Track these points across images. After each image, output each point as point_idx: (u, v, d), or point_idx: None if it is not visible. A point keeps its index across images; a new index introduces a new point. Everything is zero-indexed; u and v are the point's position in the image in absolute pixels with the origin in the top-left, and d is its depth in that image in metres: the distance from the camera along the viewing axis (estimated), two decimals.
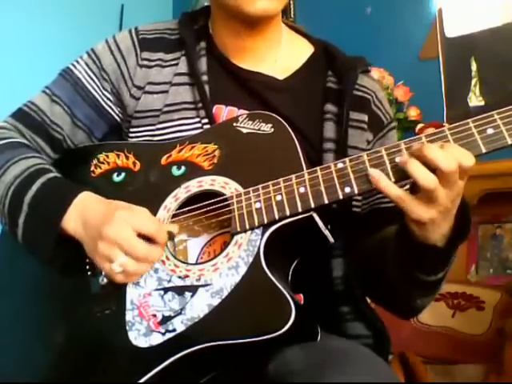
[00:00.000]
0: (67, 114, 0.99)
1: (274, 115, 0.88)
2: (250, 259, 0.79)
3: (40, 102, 1.00)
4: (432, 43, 2.34)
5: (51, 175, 0.89)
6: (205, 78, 0.98)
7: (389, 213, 0.93)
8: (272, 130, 0.87)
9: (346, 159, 0.80)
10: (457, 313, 1.79)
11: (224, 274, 0.79)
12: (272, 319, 0.75)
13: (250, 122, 0.88)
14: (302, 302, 0.88)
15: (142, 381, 0.77)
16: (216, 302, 0.78)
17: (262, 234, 0.81)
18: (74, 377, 0.84)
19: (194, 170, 0.88)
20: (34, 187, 0.86)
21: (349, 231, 0.95)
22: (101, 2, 2.75)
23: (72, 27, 2.55)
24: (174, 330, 0.79)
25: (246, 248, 0.80)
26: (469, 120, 0.74)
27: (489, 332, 1.69)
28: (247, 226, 0.81)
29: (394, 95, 2.24)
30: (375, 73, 2.05)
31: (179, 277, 0.82)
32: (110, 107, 1.01)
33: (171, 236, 0.83)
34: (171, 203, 0.87)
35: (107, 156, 0.94)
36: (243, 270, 0.79)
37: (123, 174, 0.92)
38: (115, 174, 0.92)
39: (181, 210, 0.87)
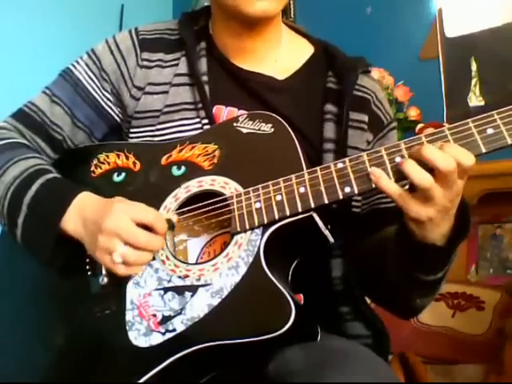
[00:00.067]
0: (67, 115, 1.00)
1: (274, 115, 0.88)
2: (250, 259, 0.79)
3: (40, 102, 1.00)
4: (432, 43, 2.34)
5: (50, 176, 0.89)
6: (205, 78, 0.98)
7: (388, 213, 0.93)
8: (272, 130, 0.87)
9: (346, 159, 0.80)
10: (457, 313, 1.79)
11: (224, 274, 0.79)
12: (272, 319, 0.75)
13: (250, 122, 0.88)
14: (302, 302, 0.88)
15: (141, 381, 0.77)
16: (216, 301, 0.78)
17: (262, 234, 0.81)
18: (74, 377, 0.84)
19: (194, 170, 0.88)
20: (34, 188, 0.87)
21: (349, 231, 0.95)
22: (101, 2, 2.75)
23: (72, 27, 2.55)
24: (174, 330, 0.79)
25: (246, 248, 0.80)
26: (469, 120, 0.74)
27: (489, 332, 1.69)
28: (247, 226, 0.81)
29: (394, 95, 2.24)
30: (375, 73, 2.05)
31: (179, 277, 0.82)
32: (110, 108, 1.01)
33: (170, 224, 0.83)
34: (171, 203, 0.87)
35: (107, 156, 0.95)
36: (243, 269, 0.79)
37: (123, 174, 0.92)
38: (115, 174, 0.92)
39: (181, 210, 0.87)
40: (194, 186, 0.87)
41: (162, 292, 0.82)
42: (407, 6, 2.43)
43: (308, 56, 1.04)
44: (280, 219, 0.80)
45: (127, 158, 0.93)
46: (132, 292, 0.83)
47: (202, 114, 0.96)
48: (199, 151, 0.90)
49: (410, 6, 2.42)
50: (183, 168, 0.89)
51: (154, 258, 0.84)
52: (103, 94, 1.00)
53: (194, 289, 0.80)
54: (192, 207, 0.87)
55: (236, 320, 0.77)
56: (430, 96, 2.27)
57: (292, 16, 2.75)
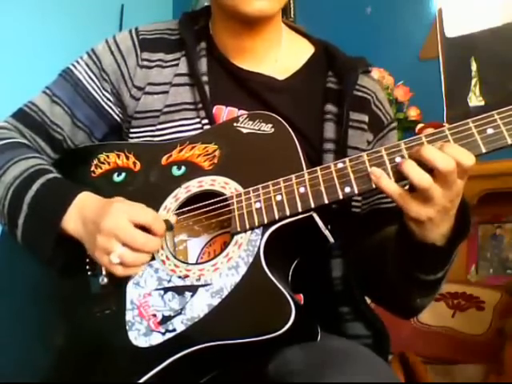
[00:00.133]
0: (67, 115, 1.00)
1: (274, 115, 0.88)
2: (250, 259, 0.79)
3: (40, 102, 1.00)
4: (432, 43, 2.34)
5: (51, 176, 0.89)
6: (205, 78, 0.98)
7: (389, 213, 0.93)
8: (272, 130, 0.87)
9: (346, 159, 0.80)
10: (457, 313, 1.79)
11: (224, 274, 0.79)
12: (272, 319, 0.75)
13: (251, 122, 0.88)
14: (302, 302, 0.88)
15: (141, 381, 0.77)
16: (216, 301, 0.78)
17: (262, 234, 0.81)
18: (74, 377, 0.84)
19: (194, 170, 0.88)
20: (34, 188, 0.87)
21: (349, 231, 0.95)
22: (101, 2, 2.75)
23: (72, 27, 2.55)
24: (174, 330, 0.79)
25: (246, 248, 0.80)
26: (469, 120, 0.74)
27: (489, 332, 1.69)
28: (247, 226, 0.81)
29: (394, 95, 2.24)
30: (375, 73, 2.05)
31: (179, 277, 0.82)
32: (110, 108, 1.01)
33: (169, 225, 0.83)
34: (171, 203, 0.87)
35: (107, 156, 0.95)
36: (243, 269, 0.79)
37: (123, 174, 0.92)
38: (115, 174, 0.92)
39: (181, 210, 0.87)
40: (194, 186, 0.87)
41: (162, 292, 0.82)
42: (407, 6, 2.43)
43: (308, 56, 1.04)
44: (280, 219, 0.80)
45: (127, 158, 0.93)
46: (132, 292, 0.83)
47: (202, 114, 0.96)
48: (199, 151, 0.90)
49: (410, 5, 2.42)
50: (183, 168, 0.89)
51: (153, 258, 0.84)
52: (103, 94, 1.00)
53: (194, 289, 0.80)
54: (192, 207, 0.87)
55: (236, 320, 0.77)
56: (430, 96, 2.27)
57: (292, 16, 2.75)
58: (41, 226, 0.85)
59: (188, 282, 0.81)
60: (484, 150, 0.73)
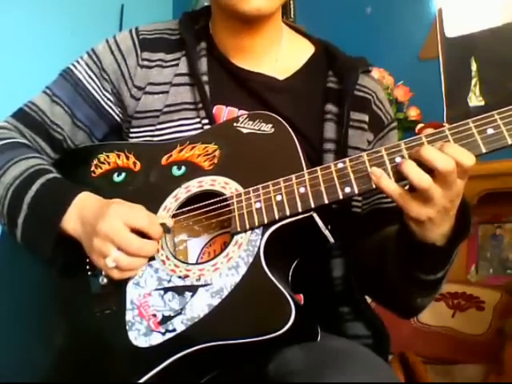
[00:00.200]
0: (67, 115, 1.00)
1: (274, 115, 0.88)
2: (250, 259, 0.79)
3: (40, 102, 1.00)
4: (432, 43, 2.35)
5: (51, 176, 0.89)
6: (205, 78, 0.98)
7: (389, 213, 0.93)
8: (272, 130, 0.87)
9: (346, 159, 0.80)
10: (457, 313, 1.79)
11: (224, 274, 0.79)
12: (272, 319, 0.75)
13: (251, 122, 0.88)
14: (302, 302, 0.88)
15: (141, 381, 0.77)
16: (216, 301, 0.78)
17: (262, 234, 0.81)
18: (74, 377, 0.84)
19: (194, 170, 0.88)
20: (34, 188, 0.87)
21: (349, 231, 0.95)
22: (101, 2, 2.75)
23: (72, 27, 2.55)
24: (174, 330, 0.79)
25: (246, 248, 0.80)
26: (469, 120, 0.74)
27: (489, 332, 1.69)
28: (247, 226, 0.81)
29: (394, 95, 2.24)
30: (375, 73, 2.05)
31: (179, 277, 0.82)
32: (111, 107, 1.01)
33: (166, 228, 0.83)
34: (171, 203, 0.87)
35: (108, 156, 0.95)
36: (243, 269, 0.79)
37: (123, 174, 0.92)
38: (115, 174, 0.92)
39: (181, 210, 0.87)
40: (194, 186, 0.87)
41: (162, 292, 0.82)
42: (407, 6, 2.43)
43: (308, 56, 1.04)
44: (280, 219, 0.80)
45: (127, 158, 0.93)
46: (132, 292, 0.83)
47: (203, 113, 0.96)
48: (199, 151, 0.90)
49: (410, 5, 2.42)
50: (183, 168, 0.89)
51: (153, 258, 0.84)
52: (103, 94, 1.00)
53: (194, 289, 0.80)
54: (192, 207, 0.87)
55: (236, 320, 0.77)
56: (430, 96, 2.27)
57: (292, 16, 2.75)
58: (41, 226, 0.85)
59: (188, 282, 0.81)
60: (484, 150, 0.73)
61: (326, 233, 0.81)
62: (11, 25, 2.39)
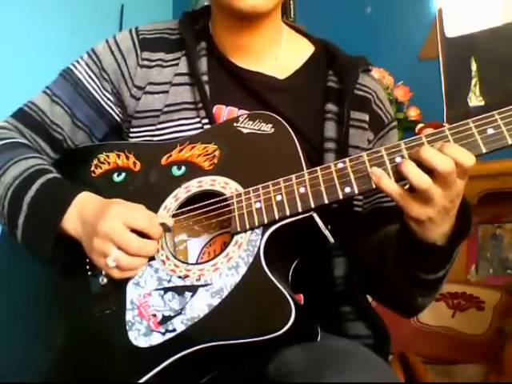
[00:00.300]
0: (67, 115, 1.00)
1: (274, 115, 0.88)
2: (250, 259, 0.79)
3: (40, 102, 1.00)
4: (432, 43, 2.35)
5: (50, 176, 0.89)
6: (205, 78, 0.98)
7: (390, 212, 0.93)
8: (272, 130, 0.87)
9: (346, 159, 0.80)
10: (457, 313, 1.79)
11: (224, 274, 0.79)
12: (272, 319, 0.75)
13: (251, 122, 0.88)
14: (302, 302, 0.88)
15: (142, 381, 0.77)
16: (216, 301, 0.78)
17: (262, 234, 0.81)
18: (74, 377, 0.84)
19: (194, 170, 0.88)
20: (34, 188, 0.87)
21: (350, 230, 0.95)
22: (101, 2, 2.75)
23: (72, 27, 2.55)
24: (174, 330, 0.79)
25: (246, 248, 0.80)
26: (469, 120, 0.74)
27: (489, 332, 1.69)
28: (247, 226, 0.81)
29: (394, 95, 2.24)
30: (375, 73, 2.05)
31: (179, 277, 0.82)
32: (111, 107, 1.01)
33: (166, 228, 0.83)
34: (171, 203, 0.87)
35: (108, 156, 0.94)
36: (243, 269, 0.79)
37: (123, 174, 0.92)
38: (115, 174, 0.92)
39: (181, 210, 0.87)
40: (194, 186, 0.87)
41: (162, 292, 0.82)
42: (407, 6, 2.43)
43: (308, 55, 1.04)
44: (280, 219, 0.80)
45: (127, 158, 0.93)
46: (132, 292, 0.83)
47: (203, 113, 0.96)
48: (199, 151, 0.89)
49: (410, 5, 2.42)
50: (183, 168, 0.89)
51: (154, 258, 0.84)
52: (103, 94, 1.00)
53: (194, 289, 0.80)
54: (192, 207, 0.87)
55: (236, 320, 0.77)
56: (430, 96, 2.27)
57: (292, 16, 2.75)
58: (41, 226, 0.85)
59: (188, 282, 0.81)
60: (484, 150, 0.73)
61: (326, 233, 0.81)
62: (11, 25, 2.39)
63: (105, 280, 0.84)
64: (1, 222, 0.92)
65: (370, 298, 1.04)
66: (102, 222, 0.80)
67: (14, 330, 0.91)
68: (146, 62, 0.99)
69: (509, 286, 1.83)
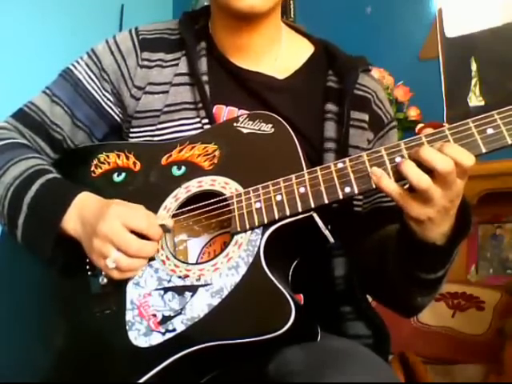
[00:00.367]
0: (67, 115, 1.00)
1: (274, 115, 0.88)
2: (250, 259, 0.79)
3: (40, 102, 1.00)
4: (432, 43, 2.34)
5: (50, 176, 0.89)
6: (205, 78, 0.98)
7: (390, 211, 0.93)
8: (272, 130, 0.87)
9: (346, 159, 0.80)
10: (457, 313, 1.79)
11: (224, 274, 0.79)
12: (272, 319, 0.75)
13: (251, 122, 0.88)
14: (302, 302, 0.88)
15: (141, 381, 0.77)
16: (216, 301, 0.78)
17: (262, 234, 0.81)
18: (74, 377, 0.84)
19: (194, 170, 0.88)
20: (34, 188, 0.87)
21: (350, 230, 0.95)
22: (101, 2, 2.75)
23: (72, 27, 2.55)
24: (174, 330, 0.79)
25: (246, 248, 0.80)
26: (469, 120, 0.74)
27: (489, 332, 1.69)
28: (247, 226, 0.81)
29: (394, 95, 2.24)
30: (375, 73, 2.04)
31: (179, 277, 0.82)
32: (111, 108, 1.01)
33: (165, 229, 0.83)
34: (171, 203, 0.87)
35: (108, 156, 0.95)
36: (243, 269, 0.79)
37: (123, 174, 0.92)
38: (115, 174, 0.92)
39: (181, 210, 0.87)
40: (194, 186, 0.87)
41: (161, 292, 0.82)
42: (407, 6, 2.43)
43: (308, 55, 1.04)
44: (280, 219, 0.80)
45: (127, 158, 0.93)
46: (132, 292, 0.83)
47: (203, 113, 0.96)
48: (199, 151, 0.90)
49: (410, 5, 2.42)
50: (183, 168, 0.89)
51: (153, 258, 0.84)
52: (103, 94, 1.00)
53: (193, 289, 0.80)
54: (192, 207, 0.87)
55: (236, 320, 0.77)
56: (430, 96, 2.27)
57: (292, 16, 2.75)
58: (40, 226, 0.85)
59: (188, 282, 0.81)
60: (484, 150, 0.73)
61: (326, 233, 0.81)
62: (11, 25, 2.39)
63: (105, 280, 0.84)
64: (1, 222, 0.92)
65: (369, 298, 1.04)
66: (102, 223, 0.80)
67: (13, 330, 0.91)
68: (145, 63, 0.99)
69: (509, 285, 1.83)
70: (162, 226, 0.83)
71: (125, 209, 0.82)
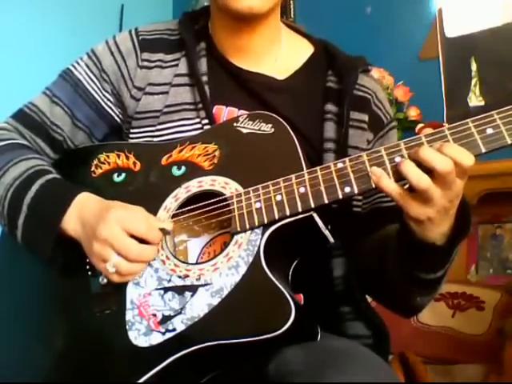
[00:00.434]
0: (67, 115, 1.00)
1: (274, 115, 0.88)
2: (250, 259, 0.79)
3: (40, 102, 1.00)
4: (432, 43, 2.35)
5: (50, 176, 0.89)
6: (205, 78, 0.98)
7: (390, 212, 0.93)
8: (272, 130, 0.87)
9: (346, 159, 0.80)
10: (457, 313, 1.79)
11: (224, 274, 0.79)
12: (272, 319, 0.75)
13: (251, 123, 0.89)
14: (302, 302, 0.88)
15: (141, 380, 0.77)
16: (216, 301, 0.78)
17: (262, 234, 0.81)
18: (74, 377, 0.84)
19: (194, 170, 0.88)
20: (34, 188, 0.87)
21: (349, 230, 0.95)
22: (101, 2, 2.75)
23: (72, 27, 2.55)
24: (174, 330, 0.79)
25: (246, 248, 0.80)
26: (468, 120, 0.74)
27: (489, 332, 1.69)
28: (247, 226, 0.81)
29: (394, 95, 2.24)
30: (375, 73, 2.05)
31: (179, 276, 0.82)
32: (111, 108, 1.01)
33: (165, 232, 0.83)
34: (171, 203, 0.87)
35: (108, 156, 0.95)
36: (243, 269, 0.79)
37: (124, 175, 0.92)
38: (116, 174, 0.92)
39: (181, 210, 0.87)
40: (194, 186, 0.87)
41: (161, 292, 0.82)
42: (407, 6, 2.43)
43: (308, 55, 1.04)
44: (280, 219, 0.80)
45: (127, 158, 0.93)
46: (132, 292, 0.83)
47: (202, 114, 0.96)
48: (199, 151, 0.90)
49: (410, 5, 2.42)
50: (183, 168, 0.89)
51: (153, 259, 0.84)
52: (103, 95, 1.00)
53: (193, 288, 0.80)
54: (192, 207, 0.87)
55: (236, 320, 0.77)
56: (430, 96, 2.27)
57: (292, 16, 2.75)
58: (40, 227, 0.85)
59: (188, 282, 0.81)
60: (484, 150, 0.73)
61: (326, 233, 0.81)
62: (11, 25, 2.39)
63: (105, 280, 0.84)
64: (1, 223, 0.92)
65: (369, 299, 1.04)
66: (102, 227, 0.79)
67: (14, 330, 0.91)
68: (145, 63, 0.99)
69: (509, 285, 1.83)
70: (162, 230, 0.83)
71: (124, 213, 0.82)
